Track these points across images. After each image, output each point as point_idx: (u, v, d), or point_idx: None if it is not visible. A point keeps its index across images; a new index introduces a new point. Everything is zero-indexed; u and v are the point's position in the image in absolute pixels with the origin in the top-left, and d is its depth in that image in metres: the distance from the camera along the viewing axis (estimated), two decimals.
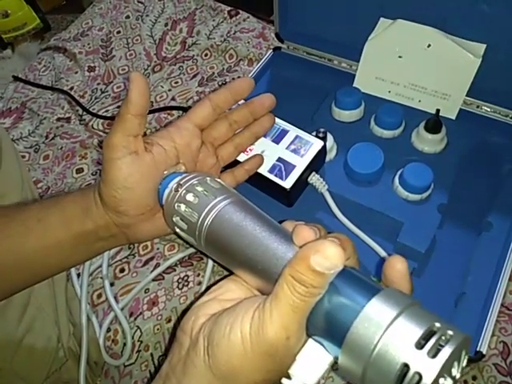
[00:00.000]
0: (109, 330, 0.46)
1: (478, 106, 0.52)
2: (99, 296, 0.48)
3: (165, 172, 0.35)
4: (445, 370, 0.20)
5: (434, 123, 0.47)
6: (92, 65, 0.68)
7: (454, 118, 0.51)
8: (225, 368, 0.24)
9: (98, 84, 0.67)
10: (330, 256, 0.22)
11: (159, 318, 0.46)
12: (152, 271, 0.48)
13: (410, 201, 0.45)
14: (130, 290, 0.47)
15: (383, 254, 0.43)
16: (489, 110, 0.52)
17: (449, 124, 0.48)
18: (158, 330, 0.45)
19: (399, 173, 0.46)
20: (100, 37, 0.71)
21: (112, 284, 0.48)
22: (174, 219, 0.31)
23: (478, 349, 0.38)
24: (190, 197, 0.30)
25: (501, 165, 0.48)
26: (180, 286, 0.47)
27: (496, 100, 0.51)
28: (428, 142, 0.48)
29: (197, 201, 0.30)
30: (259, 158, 0.44)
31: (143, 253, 0.49)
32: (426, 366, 0.19)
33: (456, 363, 0.21)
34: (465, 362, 0.21)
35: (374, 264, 0.43)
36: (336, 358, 0.23)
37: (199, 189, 0.31)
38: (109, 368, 0.45)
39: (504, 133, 0.50)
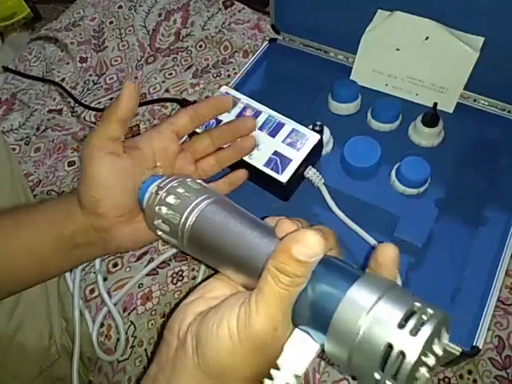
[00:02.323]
0: (102, 325, 0.45)
1: (475, 100, 0.52)
2: (92, 291, 0.47)
3: (145, 172, 0.36)
4: (427, 348, 0.20)
5: (432, 117, 0.47)
6: (84, 56, 0.67)
7: (451, 111, 0.50)
8: (214, 366, 0.24)
9: (90, 75, 0.65)
10: (310, 244, 0.23)
11: (153, 313, 0.45)
12: (146, 266, 0.47)
13: (406, 195, 0.45)
14: (123, 284, 0.46)
15: None
16: (486, 103, 0.51)
17: (446, 117, 0.48)
18: (151, 325, 0.45)
19: (396, 167, 0.45)
20: (92, 27, 0.70)
21: (105, 279, 0.47)
22: (155, 222, 0.31)
23: (474, 343, 0.38)
24: (170, 199, 0.30)
25: (498, 159, 0.48)
26: (174, 280, 0.46)
27: (493, 94, 0.50)
28: (425, 136, 0.48)
29: (178, 202, 0.30)
30: (243, 173, 0.44)
31: None
32: (409, 344, 0.20)
33: (437, 340, 0.21)
34: (446, 340, 0.22)
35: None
36: (323, 346, 0.23)
37: (180, 190, 0.31)
38: (102, 364, 0.45)
39: (501, 127, 0.50)
